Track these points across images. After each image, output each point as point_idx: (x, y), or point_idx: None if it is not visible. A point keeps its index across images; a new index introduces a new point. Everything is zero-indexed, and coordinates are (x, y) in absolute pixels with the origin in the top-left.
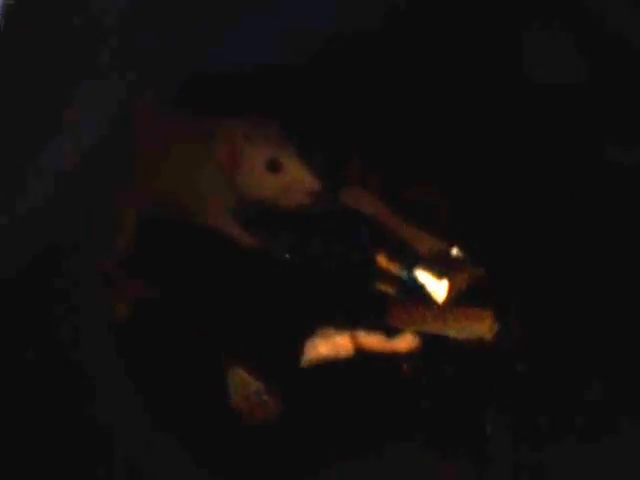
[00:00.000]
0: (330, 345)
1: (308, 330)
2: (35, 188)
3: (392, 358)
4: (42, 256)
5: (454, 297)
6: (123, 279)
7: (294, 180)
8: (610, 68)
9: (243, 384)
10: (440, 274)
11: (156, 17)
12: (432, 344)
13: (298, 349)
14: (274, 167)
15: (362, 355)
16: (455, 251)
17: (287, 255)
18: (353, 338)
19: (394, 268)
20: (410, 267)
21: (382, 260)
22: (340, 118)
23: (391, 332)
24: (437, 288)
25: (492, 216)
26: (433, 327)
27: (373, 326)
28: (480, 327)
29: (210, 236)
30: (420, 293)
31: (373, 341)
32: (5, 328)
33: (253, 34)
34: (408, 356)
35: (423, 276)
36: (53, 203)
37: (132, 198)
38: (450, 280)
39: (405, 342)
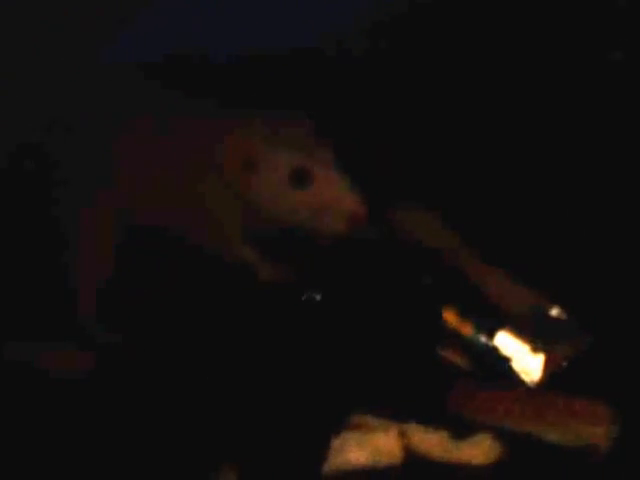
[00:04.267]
0: (368, 447)
1: (337, 419)
2: None
3: (459, 470)
4: None
5: (551, 379)
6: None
7: (329, 198)
8: None
9: None
10: (535, 344)
11: None
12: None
13: (322, 449)
14: (302, 179)
15: (414, 464)
16: (555, 311)
17: (317, 296)
18: (402, 437)
19: (467, 330)
20: (490, 330)
21: (450, 316)
22: (388, 119)
23: (459, 430)
24: (529, 364)
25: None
26: (521, 424)
27: (433, 418)
28: (592, 431)
29: (217, 265)
30: (503, 370)
31: (431, 443)
32: None
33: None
34: (483, 469)
35: (509, 345)
36: None
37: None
38: (548, 353)
39: (480, 450)
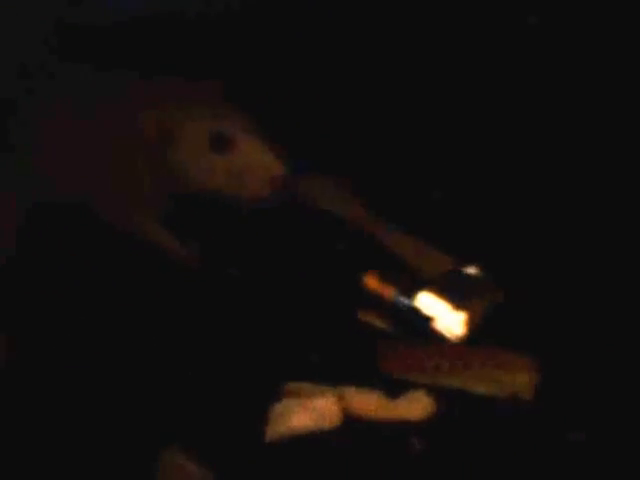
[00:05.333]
0: (310, 412)
1: (270, 387)
2: None
3: (398, 427)
4: None
5: (472, 333)
6: None
7: (251, 162)
8: None
9: (183, 476)
10: (455, 302)
11: None
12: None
13: (261, 418)
14: (222, 144)
15: (354, 425)
16: (471, 269)
17: (234, 271)
18: (341, 400)
19: (389, 293)
20: (411, 292)
21: (372, 280)
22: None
23: (392, 386)
24: (451, 321)
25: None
26: (451, 379)
27: (367, 378)
28: (516, 380)
29: (130, 246)
30: (427, 330)
31: (369, 404)
32: None
33: None
34: (421, 424)
35: (431, 305)
36: None
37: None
38: (468, 310)
39: (417, 407)
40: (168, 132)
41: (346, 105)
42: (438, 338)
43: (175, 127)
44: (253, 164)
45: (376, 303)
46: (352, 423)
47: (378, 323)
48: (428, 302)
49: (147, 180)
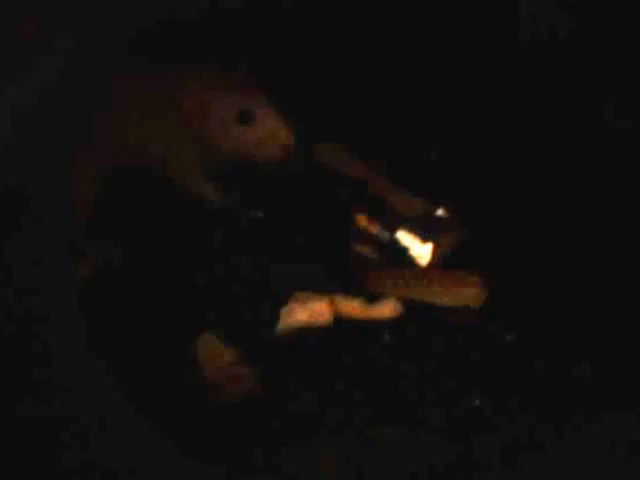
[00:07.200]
0: (307, 311)
1: (283, 294)
2: None
3: (373, 324)
4: None
5: (439, 261)
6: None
7: (268, 132)
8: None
9: (216, 354)
10: (424, 236)
11: None
12: (416, 311)
13: (273, 315)
14: (246, 118)
15: (341, 322)
16: (441, 211)
17: (259, 214)
18: (332, 304)
19: (375, 229)
20: (392, 228)
21: (362, 220)
22: (316, 67)
23: (373, 298)
24: (421, 251)
25: (478, 174)
26: (416, 293)
27: (354, 291)
28: (467, 293)
29: (176, 194)
30: (403, 256)
31: (353, 307)
32: None
33: None
34: (391, 324)
35: (406, 238)
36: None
37: (93, 154)
38: (435, 242)
39: (388, 309)
40: (204, 107)
41: (349, 78)
42: (411, 263)
43: (210, 103)
44: (270, 135)
45: (365, 237)
46: (340, 321)
47: (366, 251)
48: (405, 236)
49: (190, 147)
